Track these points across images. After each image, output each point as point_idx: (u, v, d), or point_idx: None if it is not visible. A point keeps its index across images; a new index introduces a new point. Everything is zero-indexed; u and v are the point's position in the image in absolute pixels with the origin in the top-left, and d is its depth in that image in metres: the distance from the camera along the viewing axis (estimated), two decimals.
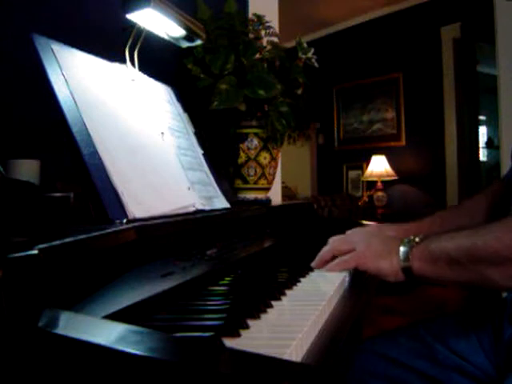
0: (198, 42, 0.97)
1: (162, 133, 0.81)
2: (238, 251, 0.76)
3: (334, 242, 0.76)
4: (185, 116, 0.97)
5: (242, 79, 1.03)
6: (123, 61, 0.83)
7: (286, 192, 4.13)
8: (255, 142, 1.09)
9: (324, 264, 0.75)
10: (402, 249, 0.65)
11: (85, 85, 0.67)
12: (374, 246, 0.70)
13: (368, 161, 4.18)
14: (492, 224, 0.60)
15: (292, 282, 0.65)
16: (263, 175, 1.12)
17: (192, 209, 0.76)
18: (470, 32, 3.61)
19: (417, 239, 0.66)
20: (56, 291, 0.38)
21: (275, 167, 1.16)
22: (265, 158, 1.11)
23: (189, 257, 0.63)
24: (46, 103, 0.62)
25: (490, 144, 5.23)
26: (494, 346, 0.74)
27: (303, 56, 1.16)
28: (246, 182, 1.12)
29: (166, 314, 0.49)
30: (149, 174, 0.70)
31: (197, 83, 1.03)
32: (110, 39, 0.89)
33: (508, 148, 2.22)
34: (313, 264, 0.77)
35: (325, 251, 0.76)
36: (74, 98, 0.63)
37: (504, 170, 2.22)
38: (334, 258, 0.75)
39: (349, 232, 0.79)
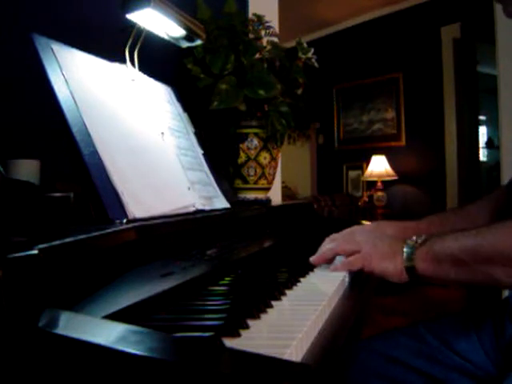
0: (198, 42, 0.96)
1: (162, 133, 0.81)
2: (238, 251, 0.76)
3: (337, 241, 0.76)
4: (185, 116, 0.97)
5: (242, 79, 1.03)
6: (123, 61, 0.83)
7: (286, 192, 4.13)
8: (255, 141, 1.09)
9: (324, 261, 0.76)
10: (405, 249, 0.66)
11: (85, 85, 0.67)
12: (380, 247, 0.70)
13: (368, 161, 4.18)
14: (496, 225, 0.61)
15: (292, 281, 0.65)
16: (263, 175, 1.12)
17: (192, 209, 0.76)
18: (470, 32, 3.61)
19: (419, 240, 0.66)
20: (56, 291, 0.38)
21: (275, 167, 1.16)
22: (265, 158, 1.11)
23: (189, 257, 0.63)
24: (46, 103, 0.62)
25: (490, 144, 5.23)
26: (495, 345, 0.74)
27: (303, 56, 1.16)
28: (246, 182, 1.12)
29: (165, 314, 0.49)
30: (149, 174, 0.70)
31: (197, 83, 1.03)
32: (110, 39, 0.89)
33: (508, 148, 2.22)
34: (312, 259, 0.77)
35: (328, 249, 0.76)
36: (74, 98, 0.63)
37: (504, 170, 2.22)
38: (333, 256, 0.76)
39: (348, 230, 0.79)
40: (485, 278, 0.60)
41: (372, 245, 0.71)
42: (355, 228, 0.80)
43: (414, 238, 0.67)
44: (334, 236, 0.79)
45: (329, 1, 4.14)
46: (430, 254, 0.64)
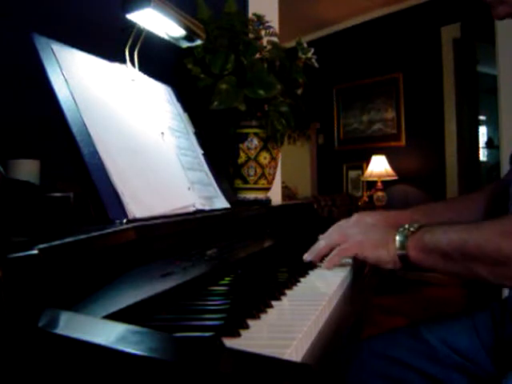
0: (198, 42, 0.96)
1: (162, 133, 0.81)
2: (237, 251, 0.76)
3: (330, 237, 0.76)
4: (185, 116, 0.97)
5: (242, 79, 1.03)
6: (123, 61, 0.83)
7: (286, 192, 4.13)
8: (255, 141, 1.09)
9: (320, 258, 0.76)
10: (397, 238, 0.67)
11: (85, 85, 0.67)
12: (372, 236, 0.71)
13: (368, 161, 4.18)
14: (484, 223, 0.61)
15: (292, 281, 0.65)
16: (263, 175, 1.12)
17: (192, 209, 0.76)
18: (469, 32, 3.61)
19: (411, 228, 0.67)
20: (56, 291, 0.38)
21: (275, 167, 1.16)
22: (265, 158, 1.11)
23: (189, 257, 0.63)
24: (46, 103, 0.62)
25: (490, 144, 5.24)
26: (495, 345, 0.74)
27: (303, 56, 1.16)
28: (246, 182, 1.12)
29: (166, 314, 0.49)
30: (149, 174, 0.70)
31: (197, 83, 1.03)
32: (110, 39, 0.89)
33: (508, 148, 2.22)
34: (307, 257, 0.77)
35: (322, 246, 0.76)
36: (74, 98, 0.63)
37: (504, 170, 2.22)
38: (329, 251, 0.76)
39: (335, 226, 0.79)
40: (470, 273, 0.61)
41: (364, 234, 0.72)
42: (341, 222, 0.81)
43: (407, 226, 0.68)
44: (326, 234, 0.79)
45: (329, 1, 4.14)
46: (420, 243, 0.65)
